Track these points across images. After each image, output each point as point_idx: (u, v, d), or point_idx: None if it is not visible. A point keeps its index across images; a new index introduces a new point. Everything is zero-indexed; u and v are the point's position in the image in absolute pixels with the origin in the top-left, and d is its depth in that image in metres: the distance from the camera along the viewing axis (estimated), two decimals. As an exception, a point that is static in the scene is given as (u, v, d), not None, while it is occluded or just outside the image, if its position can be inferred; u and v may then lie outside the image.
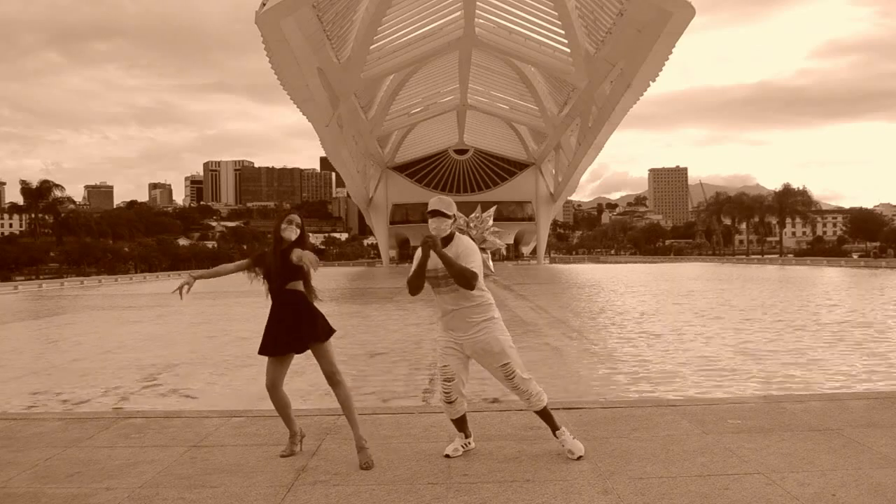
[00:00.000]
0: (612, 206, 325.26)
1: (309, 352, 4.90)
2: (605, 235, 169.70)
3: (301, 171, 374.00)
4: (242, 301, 23.78)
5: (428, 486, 4.19)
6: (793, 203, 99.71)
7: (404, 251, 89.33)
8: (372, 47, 47.73)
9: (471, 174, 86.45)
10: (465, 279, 4.58)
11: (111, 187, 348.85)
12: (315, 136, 55.02)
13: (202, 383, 9.20)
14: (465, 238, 4.85)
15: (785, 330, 13.51)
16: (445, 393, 4.79)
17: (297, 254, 4.73)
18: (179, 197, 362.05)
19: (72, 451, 5.13)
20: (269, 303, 4.97)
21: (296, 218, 5.05)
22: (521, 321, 15.76)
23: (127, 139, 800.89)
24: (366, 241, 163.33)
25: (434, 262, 4.68)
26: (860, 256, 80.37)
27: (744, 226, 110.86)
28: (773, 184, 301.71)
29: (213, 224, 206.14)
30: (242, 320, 17.99)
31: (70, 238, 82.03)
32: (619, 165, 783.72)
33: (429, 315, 16.77)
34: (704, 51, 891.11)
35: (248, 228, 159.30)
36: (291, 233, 4.96)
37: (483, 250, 5.34)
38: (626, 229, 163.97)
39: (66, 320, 20.00)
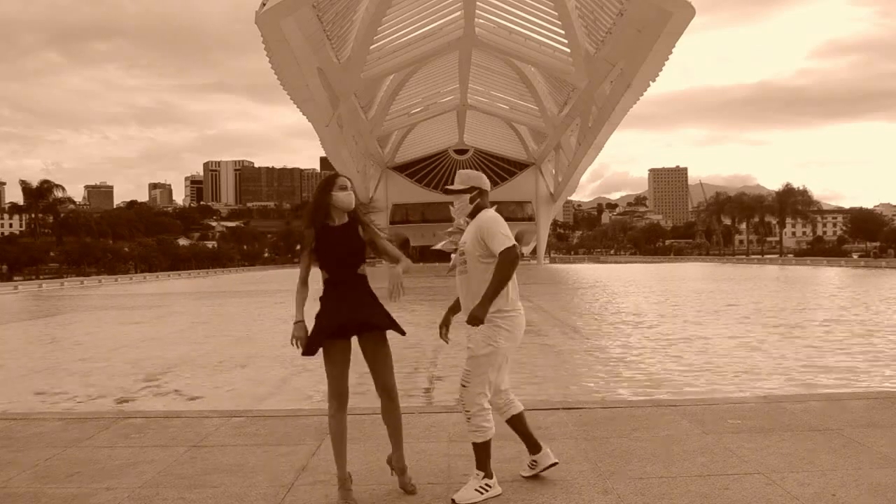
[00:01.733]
0: (612, 206, 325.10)
1: (319, 353, 4.05)
2: (605, 235, 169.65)
3: (301, 171, 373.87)
4: (242, 301, 23.77)
5: (428, 486, 4.19)
6: (793, 203, 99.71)
7: (404, 251, 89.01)
8: (372, 47, 47.70)
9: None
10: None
11: (111, 187, 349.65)
12: (315, 136, 55.02)
13: (202, 383, 9.19)
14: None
15: (785, 329, 13.52)
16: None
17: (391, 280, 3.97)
18: (179, 197, 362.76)
19: (72, 451, 5.12)
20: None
21: (345, 181, 4.08)
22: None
23: (127, 139, 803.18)
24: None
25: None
26: (860, 256, 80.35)
27: (744, 226, 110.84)
28: (773, 184, 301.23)
29: (213, 224, 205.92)
30: (242, 320, 18.01)
31: (70, 238, 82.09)
32: (619, 165, 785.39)
33: (429, 314, 16.73)
34: (704, 51, 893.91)
35: (248, 228, 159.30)
36: (349, 197, 4.04)
37: None
38: (626, 229, 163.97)
39: (67, 320, 19.99)
